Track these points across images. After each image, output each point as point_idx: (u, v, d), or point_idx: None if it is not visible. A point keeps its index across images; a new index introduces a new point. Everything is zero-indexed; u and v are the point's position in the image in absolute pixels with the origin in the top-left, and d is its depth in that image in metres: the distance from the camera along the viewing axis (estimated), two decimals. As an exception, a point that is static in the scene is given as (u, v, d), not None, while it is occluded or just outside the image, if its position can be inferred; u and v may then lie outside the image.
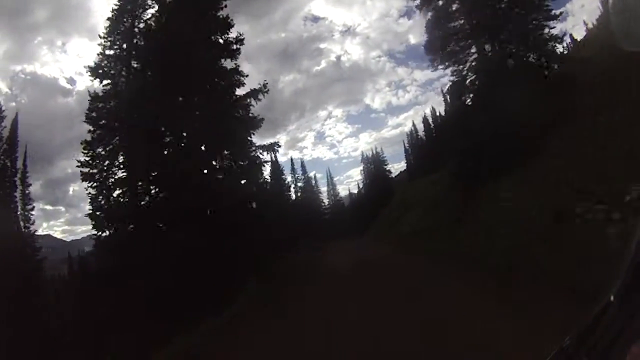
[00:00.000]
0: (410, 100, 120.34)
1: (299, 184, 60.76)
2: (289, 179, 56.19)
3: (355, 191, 77.16)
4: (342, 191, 72.68)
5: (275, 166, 52.90)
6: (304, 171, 64.72)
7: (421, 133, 68.24)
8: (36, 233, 22.37)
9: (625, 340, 0.88)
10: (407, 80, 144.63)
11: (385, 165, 69.63)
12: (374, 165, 69.64)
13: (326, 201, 69.74)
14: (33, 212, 21.83)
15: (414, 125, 72.02)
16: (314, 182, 66.71)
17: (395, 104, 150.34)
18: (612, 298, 0.95)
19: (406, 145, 71.50)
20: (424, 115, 71.92)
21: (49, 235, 62.52)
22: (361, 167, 72.39)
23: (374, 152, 72.79)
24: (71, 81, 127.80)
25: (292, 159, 57.69)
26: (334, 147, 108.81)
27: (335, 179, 69.58)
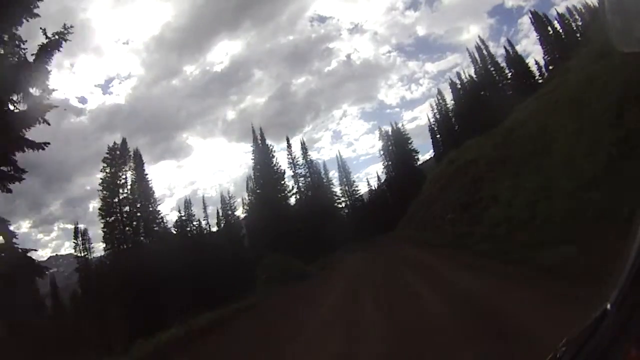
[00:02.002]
0: (423, 93, 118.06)
1: (301, 184, 47.61)
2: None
3: (375, 184, 63.33)
4: (362, 188, 62.46)
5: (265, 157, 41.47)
6: (325, 170, 52.84)
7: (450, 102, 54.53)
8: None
9: (623, 345, 0.88)
10: (419, 73, 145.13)
11: (409, 142, 56.21)
12: (395, 142, 55.99)
13: (342, 199, 56.74)
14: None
15: (439, 93, 58.07)
16: (324, 179, 53.56)
17: (409, 98, 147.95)
18: (608, 307, 0.94)
19: (431, 121, 57.71)
20: (450, 80, 57.57)
21: (70, 255, 56.53)
22: (379, 149, 58.39)
23: (393, 126, 59.26)
24: (82, 100, 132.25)
25: (290, 153, 45.42)
26: (351, 145, 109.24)
27: (355, 176, 56.11)
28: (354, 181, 57.89)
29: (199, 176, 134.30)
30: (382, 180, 58.97)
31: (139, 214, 35.87)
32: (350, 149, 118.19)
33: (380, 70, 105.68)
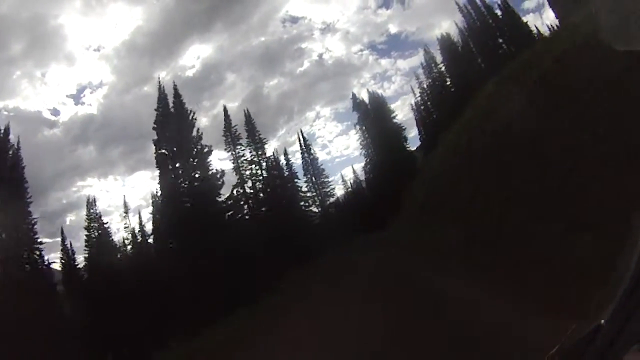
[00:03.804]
0: (396, 91, 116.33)
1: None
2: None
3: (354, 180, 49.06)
4: (338, 191, 50.12)
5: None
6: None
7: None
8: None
9: (619, 350, 0.87)
10: (391, 70, 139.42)
11: (393, 115, 42.41)
12: (375, 113, 41.89)
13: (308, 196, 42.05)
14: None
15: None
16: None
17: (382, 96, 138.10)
18: (602, 322, 0.92)
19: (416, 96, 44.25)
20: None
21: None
22: (354, 123, 43.64)
23: (369, 92, 45.29)
24: (55, 112, 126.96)
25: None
26: (325, 147, 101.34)
27: (330, 179, 44.71)
28: (326, 177, 43.53)
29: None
30: (365, 170, 44.25)
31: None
32: (324, 152, 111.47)
33: (352, 69, 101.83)
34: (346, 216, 45.19)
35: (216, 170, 26.31)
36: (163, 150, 25.14)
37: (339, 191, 50.59)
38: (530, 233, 6.93)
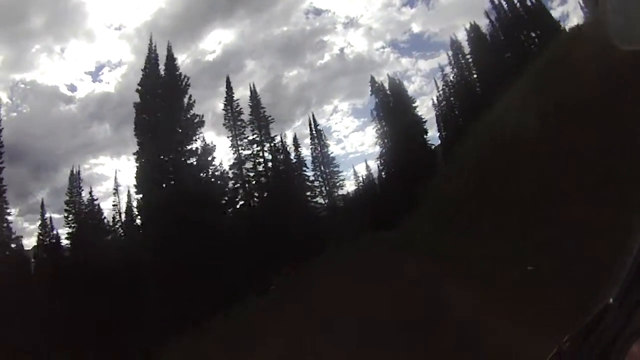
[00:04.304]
0: (415, 91, 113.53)
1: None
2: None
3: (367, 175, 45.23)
4: (350, 187, 46.69)
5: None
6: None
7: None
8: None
9: (625, 339, 0.88)
10: (411, 70, 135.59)
11: (414, 105, 38.16)
12: (395, 102, 37.67)
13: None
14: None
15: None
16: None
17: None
18: (611, 299, 0.95)
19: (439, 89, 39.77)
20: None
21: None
22: (371, 109, 39.16)
23: (389, 77, 40.80)
24: (72, 88, 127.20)
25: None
26: (340, 142, 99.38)
27: (342, 172, 41.36)
28: (335, 167, 39.47)
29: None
30: (379, 160, 39.78)
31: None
32: (339, 146, 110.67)
33: (373, 65, 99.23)
34: (355, 211, 41.51)
35: (207, 144, 22.63)
36: (145, 116, 21.52)
37: (351, 187, 47.10)
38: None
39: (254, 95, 31.46)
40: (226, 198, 25.38)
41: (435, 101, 40.99)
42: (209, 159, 22.38)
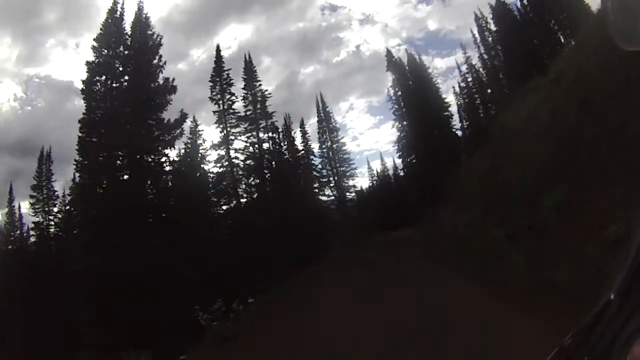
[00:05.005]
0: None
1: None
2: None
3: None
4: (364, 183, 44.10)
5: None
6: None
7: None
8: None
9: (626, 339, 0.87)
10: (428, 69, 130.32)
11: (437, 86, 32.73)
12: (412, 77, 31.98)
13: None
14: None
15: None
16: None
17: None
18: (612, 297, 0.93)
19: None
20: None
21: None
22: (388, 87, 33.38)
23: (408, 53, 35.27)
24: None
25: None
26: (355, 139, 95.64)
27: (353, 164, 36.34)
28: (346, 154, 34.46)
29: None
30: (397, 145, 34.11)
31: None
32: (354, 143, 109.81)
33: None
34: (369, 206, 36.91)
35: (165, 79, 17.96)
36: (98, 78, 16.92)
37: (365, 184, 43.04)
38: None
39: (248, 65, 26.70)
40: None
41: (456, 88, 35.67)
42: (166, 100, 17.62)
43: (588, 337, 0.97)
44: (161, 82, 18.30)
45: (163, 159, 17.12)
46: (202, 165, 20.68)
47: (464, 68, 36.09)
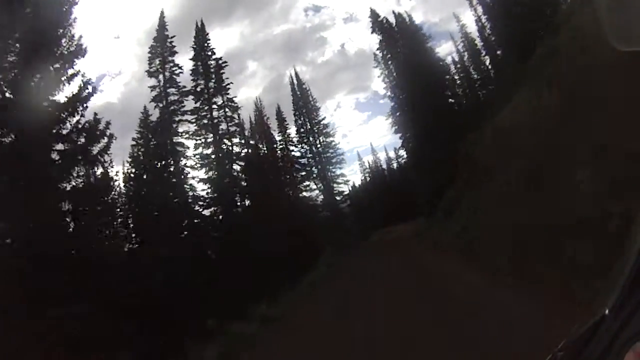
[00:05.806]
0: None
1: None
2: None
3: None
4: (357, 180, 41.75)
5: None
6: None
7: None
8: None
9: (621, 346, 0.87)
10: None
11: (432, 49, 27.71)
12: (403, 41, 26.17)
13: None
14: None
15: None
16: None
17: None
18: (606, 312, 0.93)
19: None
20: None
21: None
22: (378, 57, 27.30)
23: (395, 14, 29.06)
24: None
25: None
26: (345, 137, 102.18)
27: (349, 168, 38.94)
28: (329, 137, 29.21)
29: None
30: (392, 121, 28.34)
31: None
32: (344, 141, 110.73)
33: (374, 59, 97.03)
34: (363, 201, 32.48)
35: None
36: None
37: (357, 180, 40.67)
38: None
39: (199, 33, 21.28)
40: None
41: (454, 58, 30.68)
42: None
43: (581, 349, 0.95)
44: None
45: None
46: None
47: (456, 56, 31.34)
